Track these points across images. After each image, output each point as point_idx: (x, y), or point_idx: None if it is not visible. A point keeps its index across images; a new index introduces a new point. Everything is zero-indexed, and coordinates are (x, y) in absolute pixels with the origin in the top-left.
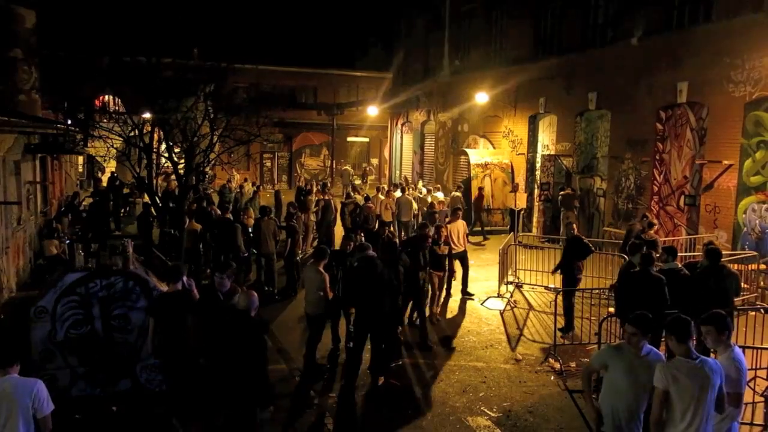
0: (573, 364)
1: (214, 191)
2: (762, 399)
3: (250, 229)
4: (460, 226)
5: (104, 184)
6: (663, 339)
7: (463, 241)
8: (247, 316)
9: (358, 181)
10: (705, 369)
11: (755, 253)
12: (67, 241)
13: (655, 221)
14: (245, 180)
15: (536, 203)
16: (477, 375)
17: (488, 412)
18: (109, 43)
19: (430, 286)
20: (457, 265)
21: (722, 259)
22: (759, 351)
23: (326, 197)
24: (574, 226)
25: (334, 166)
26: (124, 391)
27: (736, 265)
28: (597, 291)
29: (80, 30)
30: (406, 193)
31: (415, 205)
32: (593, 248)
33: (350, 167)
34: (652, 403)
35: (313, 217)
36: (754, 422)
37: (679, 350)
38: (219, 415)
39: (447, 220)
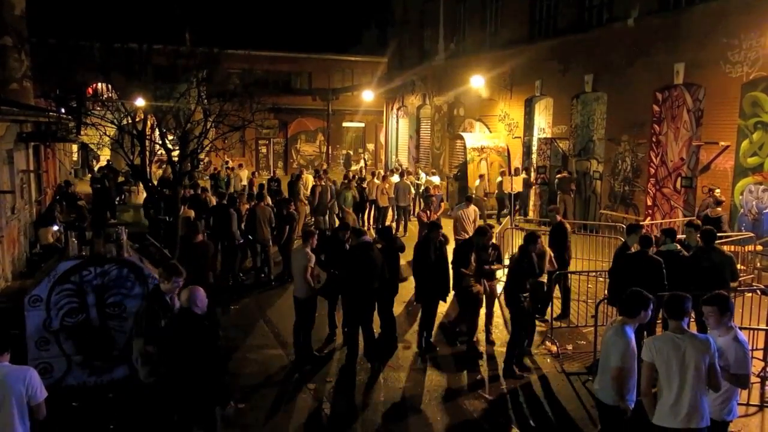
0: (570, 347)
1: (206, 179)
2: (758, 380)
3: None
4: (471, 213)
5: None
6: (659, 321)
7: (473, 227)
8: (190, 313)
9: (355, 166)
10: (688, 344)
11: (752, 235)
12: (58, 228)
13: (724, 198)
14: (226, 163)
15: (533, 187)
16: (473, 358)
17: (485, 395)
18: (100, 30)
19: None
20: None
21: (720, 241)
22: (755, 332)
23: (322, 182)
24: (558, 213)
25: (330, 152)
26: (120, 379)
27: (732, 247)
28: (594, 274)
29: (70, 16)
30: (404, 178)
31: (413, 190)
32: (570, 239)
33: (352, 151)
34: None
35: (305, 203)
36: (750, 403)
37: (670, 325)
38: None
39: (456, 206)
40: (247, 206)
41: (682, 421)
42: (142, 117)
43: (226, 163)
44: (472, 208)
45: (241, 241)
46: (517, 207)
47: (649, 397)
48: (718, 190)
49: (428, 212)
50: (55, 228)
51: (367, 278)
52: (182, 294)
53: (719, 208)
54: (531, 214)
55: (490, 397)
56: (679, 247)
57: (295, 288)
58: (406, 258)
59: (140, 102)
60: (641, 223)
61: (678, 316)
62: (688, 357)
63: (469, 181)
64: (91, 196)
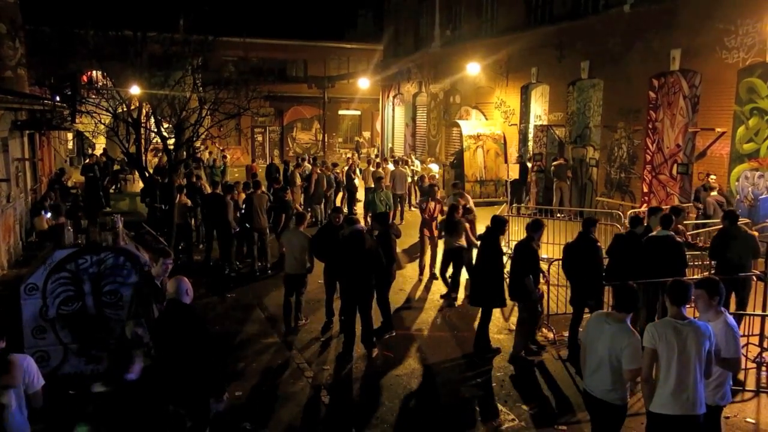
0: (566, 334)
1: (207, 167)
2: (754, 365)
3: (242, 205)
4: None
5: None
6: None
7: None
8: (178, 303)
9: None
10: (690, 331)
11: (748, 221)
12: (51, 216)
13: (716, 185)
14: (206, 148)
15: (530, 174)
16: (470, 346)
17: (482, 382)
18: (94, 17)
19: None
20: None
21: (714, 228)
22: (751, 317)
23: (319, 170)
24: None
25: (326, 140)
26: None
27: None
28: None
29: (65, 3)
30: (400, 165)
31: (409, 178)
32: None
33: (361, 139)
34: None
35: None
36: (747, 388)
37: (670, 311)
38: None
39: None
40: (243, 195)
41: (681, 409)
42: (137, 105)
43: (225, 157)
44: (467, 197)
45: (237, 230)
46: (527, 196)
47: (651, 383)
48: (713, 177)
49: (428, 205)
50: (48, 215)
51: (360, 266)
52: (169, 284)
53: (713, 193)
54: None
55: (486, 382)
56: (672, 233)
57: (288, 265)
58: (401, 246)
59: (135, 90)
60: (639, 209)
61: (680, 302)
62: (690, 344)
63: (466, 168)
64: (83, 185)
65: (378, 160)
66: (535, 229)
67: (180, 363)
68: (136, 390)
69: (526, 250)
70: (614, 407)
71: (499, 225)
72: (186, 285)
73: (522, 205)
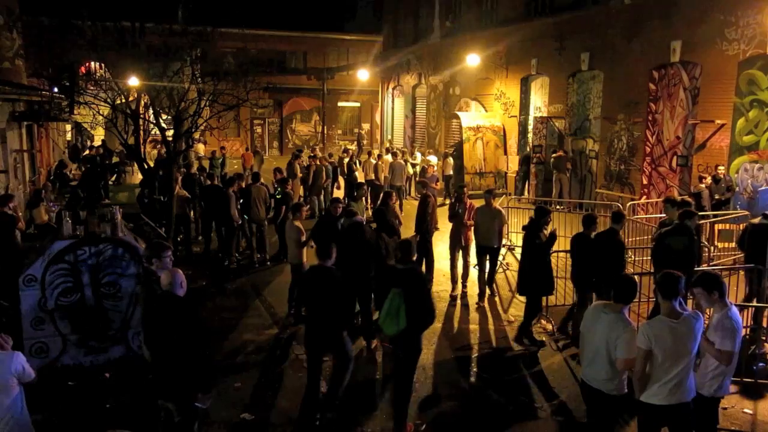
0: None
1: (205, 158)
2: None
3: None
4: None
5: (89, 152)
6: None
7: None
8: (171, 296)
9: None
10: (684, 328)
11: (747, 213)
12: (54, 207)
13: (706, 175)
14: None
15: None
16: (469, 337)
17: (481, 373)
18: (92, 7)
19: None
20: None
21: (713, 219)
22: (748, 309)
23: (317, 162)
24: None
25: (326, 132)
26: (116, 359)
27: (727, 225)
28: None
29: None
30: (398, 158)
31: (410, 170)
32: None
33: (363, 131)
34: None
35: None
36: (745, 380)
37: (663, 308)
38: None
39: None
40: (237, 187)
41: (672, 399)
42: (136, 96)
43: (223, 149)
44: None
45: (239, 222)
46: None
47: (644, 381)
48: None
49: (465, 209)
50: (53, 208)
51: (359, 257)
52: (163, 276)
53: (701, 185)
54: (527, 193)
55: (486, 375)
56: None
57: (290, 256)
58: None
59: (133, 81)
60: (639, 201)
61: (671, 295)
62: (685, 341)
63: (465, 160)
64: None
65: (378, 152)
66: (617, 221)
67: (169, 357)
68: (128, 384)
69: (614, 243)
70: (610, 397)
71: (542, 214)
72: (180, 277)
73: (514, 197)
